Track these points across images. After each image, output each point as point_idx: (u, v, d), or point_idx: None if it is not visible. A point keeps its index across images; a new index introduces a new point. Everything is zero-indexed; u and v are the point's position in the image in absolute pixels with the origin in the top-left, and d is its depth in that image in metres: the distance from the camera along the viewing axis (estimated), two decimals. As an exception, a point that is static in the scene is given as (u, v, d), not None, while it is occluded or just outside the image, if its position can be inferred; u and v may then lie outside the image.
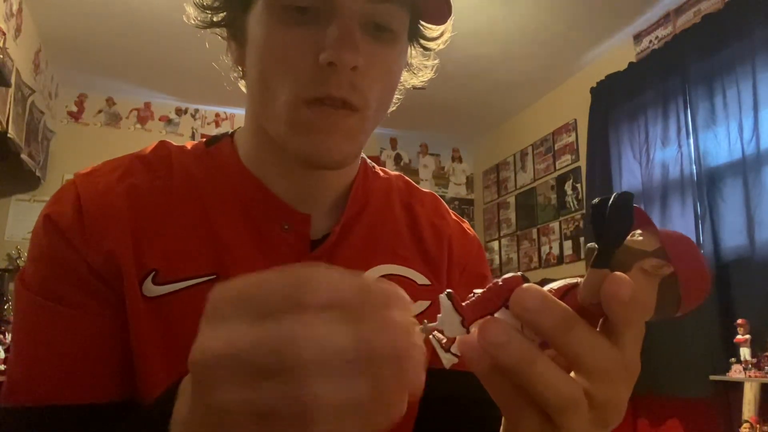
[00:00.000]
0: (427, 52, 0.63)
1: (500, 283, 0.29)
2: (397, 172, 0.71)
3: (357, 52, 0.48)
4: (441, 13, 0.55)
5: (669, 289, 0.29)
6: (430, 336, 0.29)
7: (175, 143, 0.62)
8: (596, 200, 0.28)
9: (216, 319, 0.25)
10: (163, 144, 0.60)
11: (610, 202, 0.27)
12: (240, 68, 0.58)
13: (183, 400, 0.30)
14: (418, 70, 0.64)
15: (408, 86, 0.65)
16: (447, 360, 0.30)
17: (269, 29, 0.50)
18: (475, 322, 0.28)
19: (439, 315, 0.28)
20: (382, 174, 0.68)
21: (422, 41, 0.61)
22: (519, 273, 0.29)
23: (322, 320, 0.23)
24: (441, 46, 0.62)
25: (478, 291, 0.29)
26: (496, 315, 0.29)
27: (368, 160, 0.68)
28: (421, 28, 0.59)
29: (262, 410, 0.24)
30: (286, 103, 0.50)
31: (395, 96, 0.63)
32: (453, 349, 0.30)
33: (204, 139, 0.62)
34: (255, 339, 0.23)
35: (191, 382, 0.28)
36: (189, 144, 0.61)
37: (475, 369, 0.29)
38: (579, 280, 0.30)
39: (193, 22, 0.58)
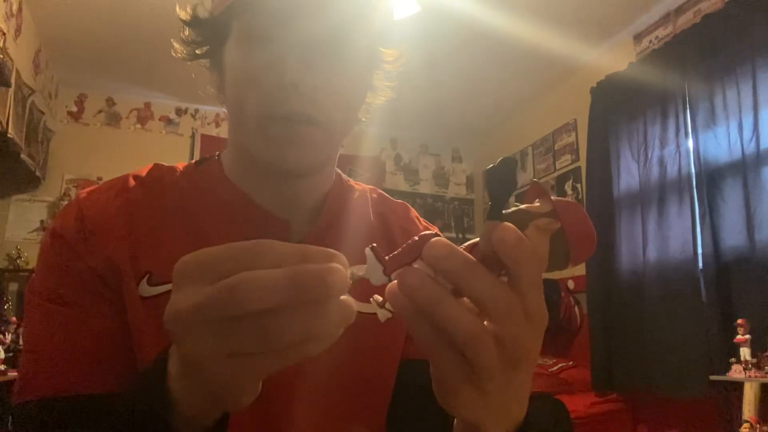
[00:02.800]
0: (388, 74, 0.71)
1: (416, 239, 0.34)
2: (370, 186, 0.78)
3: (316, 73, 0.55)
4: (391, 41, 0.64)
5: (559, 244, 0.35)
6: (371, 299, 0.36)
7: (172, 150, 0.68)
8: (489, 166, 0.35)
9: (181, 284, 0.31)
10: (156, 166, 0.68)
11: (495, 164, 0.34)
12: (222, 95, 0.66)
13: (173, 360, 0.37)
14: (380, 91, 0.71)
15: (372, 107, 0.72)
16: (382, 315, 0.36)
17: (241, 56, 0.58)
18: (396, 271, 0.33)
19: (365, 265, 0.34)
20: (356, 186, 0.76)
21: (382, 65, 0.69)
22: (432, 231, 0.35)
23: (264, 271, 0.29)
24: (399, 68, 0.70)
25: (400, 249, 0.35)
26: (414, 265, 0.34)
27: (343, 175, 0.74)
28: (381, 53, 0.67)
29: (233, 350, 0.30)
30: (258, 120, 0.57)
31: (366, 109, 0.70)
32: (387, 306, 0.35)
33: (194, 161, 0.70)
34: (211, 293, 0.29)
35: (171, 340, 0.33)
36: (180, 165, 0.69)
37: (399, 313, 0.34)
38: None
39: (180, 55, 0.68)
